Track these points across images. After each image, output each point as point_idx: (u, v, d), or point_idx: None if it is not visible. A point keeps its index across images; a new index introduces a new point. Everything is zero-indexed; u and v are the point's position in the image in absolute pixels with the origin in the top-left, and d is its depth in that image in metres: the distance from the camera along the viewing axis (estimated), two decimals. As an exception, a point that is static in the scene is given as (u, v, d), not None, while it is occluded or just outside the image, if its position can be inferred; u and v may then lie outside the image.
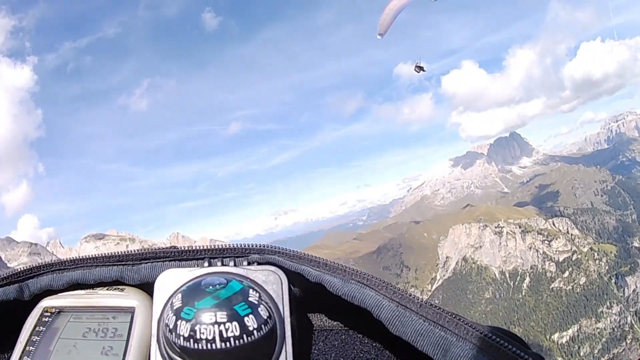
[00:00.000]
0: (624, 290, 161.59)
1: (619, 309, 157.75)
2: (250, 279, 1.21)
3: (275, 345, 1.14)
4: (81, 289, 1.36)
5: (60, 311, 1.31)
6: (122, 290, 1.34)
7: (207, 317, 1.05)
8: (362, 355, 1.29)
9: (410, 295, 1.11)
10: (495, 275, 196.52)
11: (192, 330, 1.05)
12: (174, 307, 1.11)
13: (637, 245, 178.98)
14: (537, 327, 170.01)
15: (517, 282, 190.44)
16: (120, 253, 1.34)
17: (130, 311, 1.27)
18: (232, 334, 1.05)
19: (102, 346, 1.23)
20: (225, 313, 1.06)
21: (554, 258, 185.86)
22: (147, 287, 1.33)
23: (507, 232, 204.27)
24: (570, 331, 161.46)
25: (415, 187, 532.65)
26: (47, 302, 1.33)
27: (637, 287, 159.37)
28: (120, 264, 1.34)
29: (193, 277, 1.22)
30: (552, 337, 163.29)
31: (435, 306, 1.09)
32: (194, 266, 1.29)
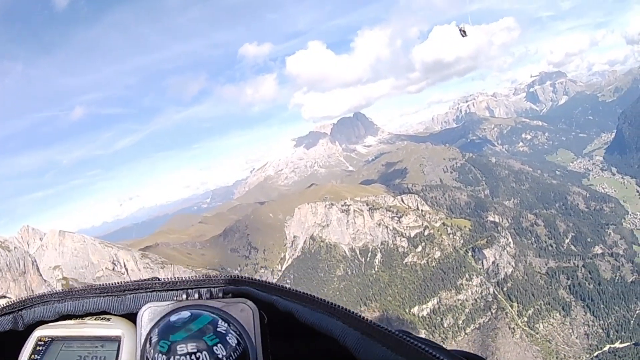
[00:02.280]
0: (482, 263, 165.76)
1: (479, 281, 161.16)
2: (224, 311, 1.31)
3: None
4: (70, 318, 1.43)
5: (52, 340, 1.38)
6: (108, 320, 1.41)
7: (180, 348, 1.16)
8: None
9: (374, 324, 1.18)
10: (345, 252, 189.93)
11: None
12: (152, 342, 1.21)
13: (492, 219, 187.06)
14: (394, 301, 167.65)
15: (368, 258, 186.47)
16: (105, 285, 1.43)
17: (117, 340, 1.36)
18: None
19: None
20: (195, 344, 1.17)
21: (405, 234, 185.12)
22: (131, 316, 1.41)
23: (354, 210, 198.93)
24: (430, 304, 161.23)
25: (259, 167, 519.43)
26: (40, 332, 1.39)
27: (495, 259, 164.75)
28: (106, 295, 1.42)
29: (169, 311, 1.31)
30: (412, 310, 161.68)
31: (399, 334, 1.14)
32: (173, 297, 1.38)
